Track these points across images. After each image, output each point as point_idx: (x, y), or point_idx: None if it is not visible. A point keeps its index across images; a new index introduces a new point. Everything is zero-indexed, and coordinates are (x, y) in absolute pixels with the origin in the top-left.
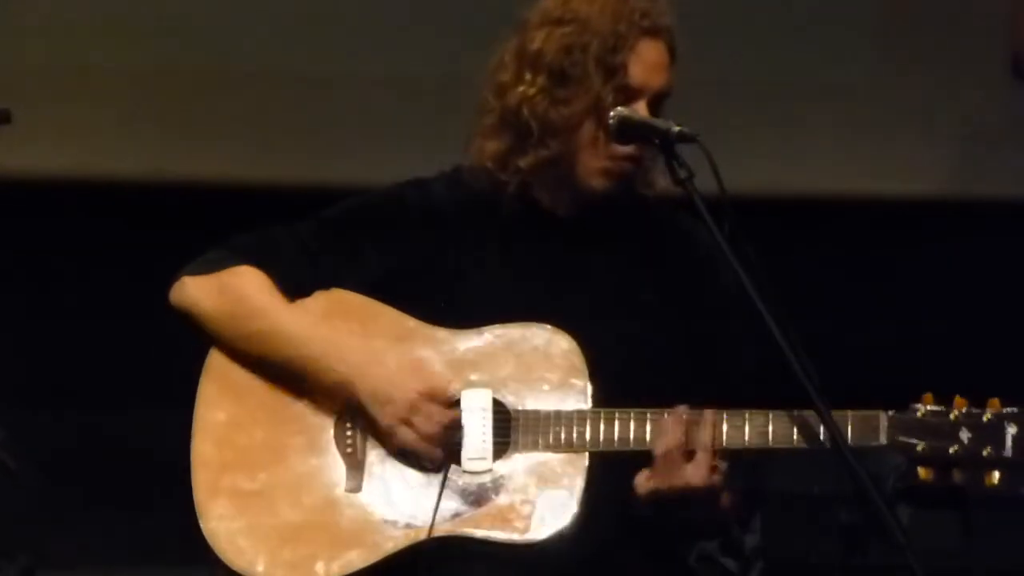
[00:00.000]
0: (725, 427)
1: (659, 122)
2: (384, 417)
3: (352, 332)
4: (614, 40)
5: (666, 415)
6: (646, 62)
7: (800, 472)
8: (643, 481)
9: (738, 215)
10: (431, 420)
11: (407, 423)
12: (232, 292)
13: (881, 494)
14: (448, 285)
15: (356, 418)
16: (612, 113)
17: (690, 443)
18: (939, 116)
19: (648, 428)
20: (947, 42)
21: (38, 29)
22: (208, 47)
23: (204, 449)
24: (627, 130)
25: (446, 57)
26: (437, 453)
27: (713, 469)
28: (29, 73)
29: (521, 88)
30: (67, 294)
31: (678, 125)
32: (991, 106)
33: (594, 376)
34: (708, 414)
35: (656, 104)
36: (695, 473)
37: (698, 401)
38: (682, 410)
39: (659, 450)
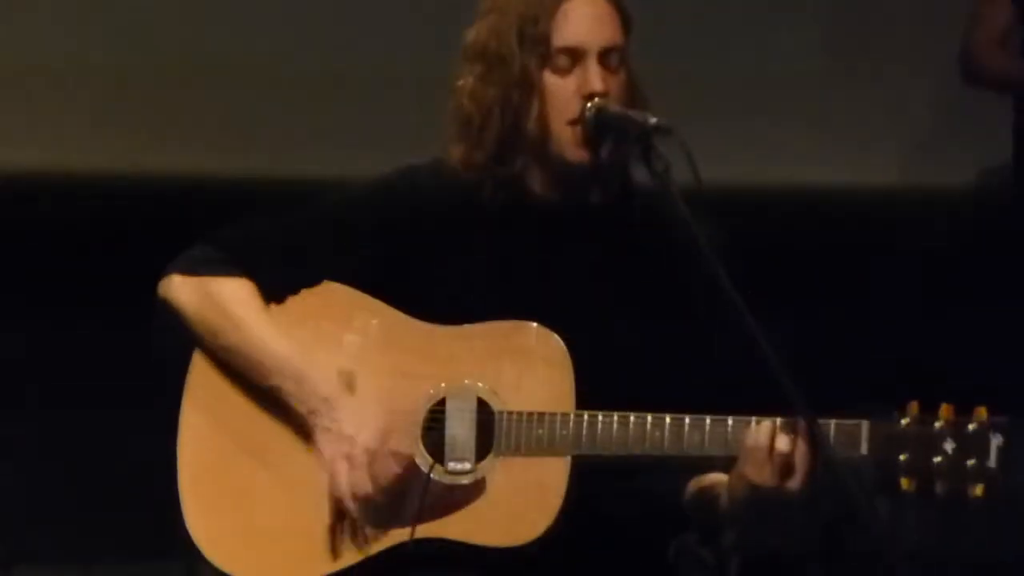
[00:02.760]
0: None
1: (636, 114)
2: (327, 447)
3: (334, 339)
4: (534, 10)
5: (688, 422)
6: (576, 20)
7: None
8: (723, 483)
9: (716, 207)
10: (353, 482)
11: (341, 466)
12: (215, 303)
13: (860, 486)
14: (436, 278)
15: None
16: (589, 105)
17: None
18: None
19: (631, 430)
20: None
21: (9, 27)
22: (184, 41)
23: (187, 450)
24: (603, 122)
25: (426, 52)
26: (357, 511)
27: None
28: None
29: (461, 82)
30: (44, 289)
31: (654, 117)
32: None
33: (580, 376)
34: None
35: (605, 59)
36: (798, 477)
37: (683, 403)
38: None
39: (766, 445)
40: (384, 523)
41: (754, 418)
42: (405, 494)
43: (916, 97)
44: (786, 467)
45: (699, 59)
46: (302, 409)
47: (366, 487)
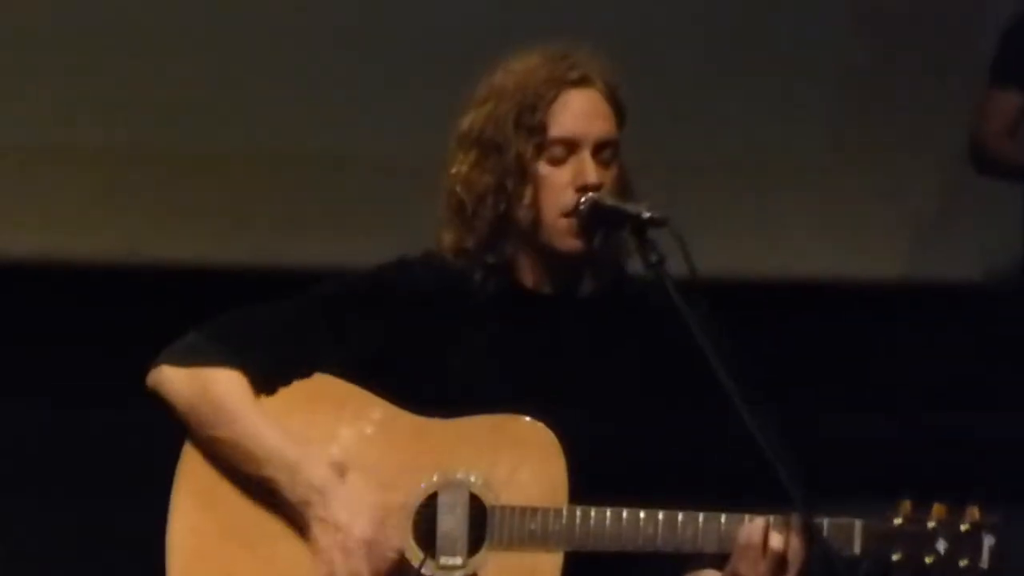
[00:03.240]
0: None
1: (630, 206)
2: (322, 538)
3: (327, 430)
4: (532, 100)
5: (680, 518)
6: (573, 112)
7: None
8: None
9: (710, 299)
10: (371, 568)
11: (334, 557)
12: (204, 394)
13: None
14: (428, 370)
15: None
16: (583, 199)
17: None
18: (901, 200)
19: (624, 525)
20: (908, 125)
21: (12, 106)
22: (183, 127)
23: (178, 537)
24: (598, 215)
25: (426, 137)
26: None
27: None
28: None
29: (455, 169)
30: (43, 376)
31: (648, 209)
32: (950, 190)
33: (572, 469)
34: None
35: (600, 152)
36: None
37: (677, 495)
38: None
39: (747, 538)
40: None
41: (747, 515)
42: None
43: (919, 187)
44: (779, 564)
45: (696, 146)
46: (294, 499)
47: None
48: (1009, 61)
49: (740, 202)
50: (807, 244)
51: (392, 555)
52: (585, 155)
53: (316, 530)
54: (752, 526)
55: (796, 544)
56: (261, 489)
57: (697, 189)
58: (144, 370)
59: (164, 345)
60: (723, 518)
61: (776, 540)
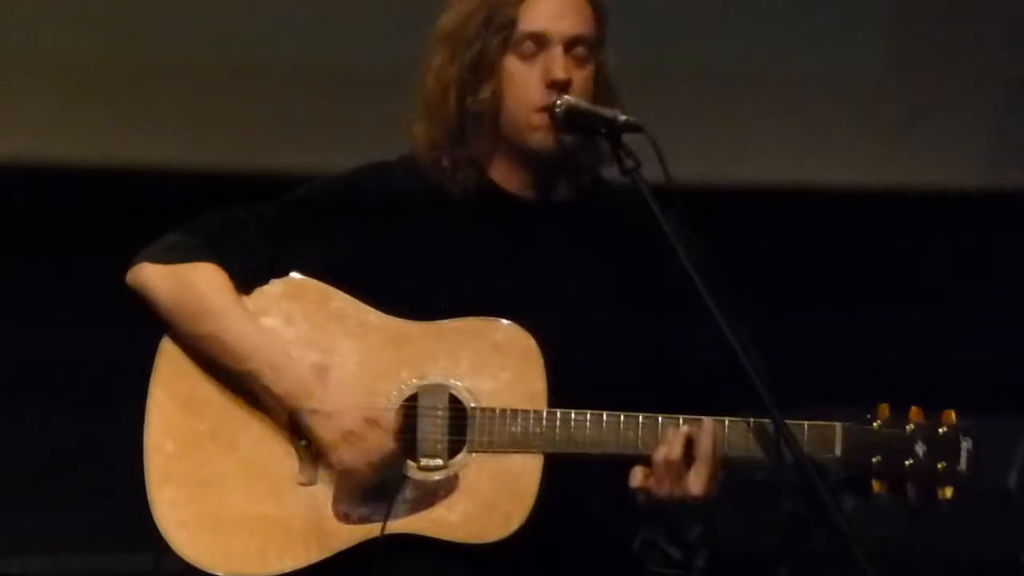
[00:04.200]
0: (728, 434)
1: (605, 111)
2: (326, 432)
3: (305, 331)
4: None
5: (660, 421)
6: (546, 9)
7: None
8: (640, 479)
9: (685, 204)
10: (372, 443)
11: (349, 442)
12: (187, 290)
13: (825, 483)
14: (406, 272)
15: None
16: (559, 101)
17: (691, 452)
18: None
19: (604, 428)
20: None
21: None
22: (158, 33)
23: (156, 437)
24: (573, 119)
25: (395, 44)
26: (376, 476)
27: (713, 478)
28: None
29: (426, 64)
30: (15, 283)
31: (624, 114)
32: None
33: (551, 372)
34: (707, 422)
35: (572, 48)
36: (696, 483)
37: (651, 399)
38: (682, 419)
39: (659, 458)
40: (355, 516)
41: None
42: (378, 487)
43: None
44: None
45: (684, 53)
46: (280, 392)
47: (366, 459)
48: None
49: (715, 109)
50: (787, 149)
51: (390, 443)
52: (556, 51)
53: (309, 422)
54: (667, 431)
55: (706, 446)
56: (241, 386)
57: (674, 95)
58: (119, 273)
59: (140, 247)
60: (705, 421)
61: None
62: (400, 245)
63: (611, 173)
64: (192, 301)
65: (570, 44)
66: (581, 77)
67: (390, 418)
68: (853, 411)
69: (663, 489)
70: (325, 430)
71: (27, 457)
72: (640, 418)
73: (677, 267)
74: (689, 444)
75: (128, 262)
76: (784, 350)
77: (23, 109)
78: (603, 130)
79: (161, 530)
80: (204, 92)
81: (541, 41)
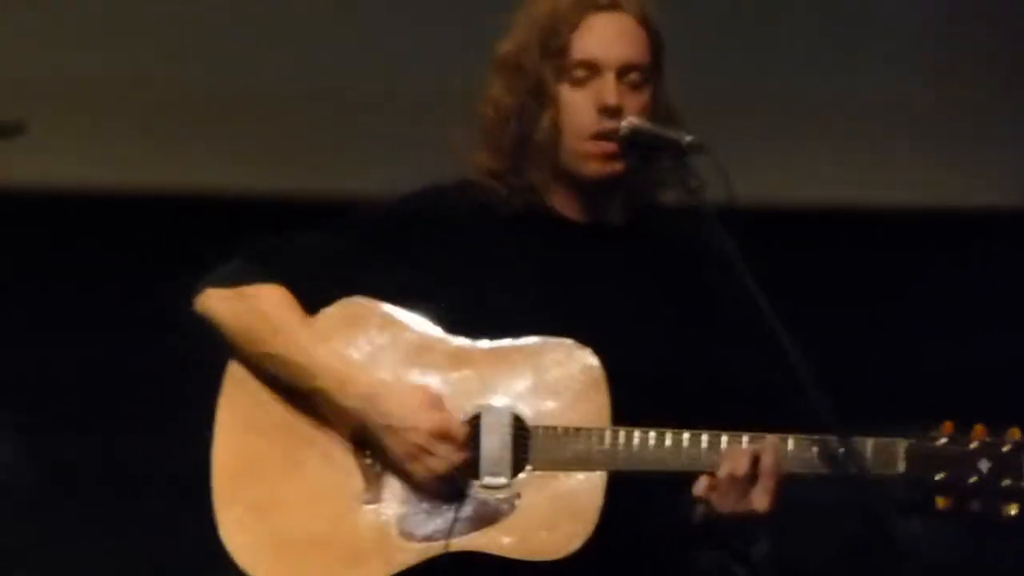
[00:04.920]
0: (791, 450)
1: (670, 131)
2: (397, 447)
3: (368, 352)
4: (557, 24)
5: (724, 440)
6: (598, 36)
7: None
8: (704, 488)
9: (747, 225)
10: (441, 458)
11: (418, 458)
12: (252, 311)
13: (888, 500)
14: (467, 295)
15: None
16: (624, 123)
17: (755, 469)
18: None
19: (667, 446)
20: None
21: (44, 41)
22: (226, 62)
23: (222, 459)
24: (638, 140)
25: (441, 70)
26: (446, 488)
27: (777, 494)
28: (33, 85)
29: (486, 93)
30: (70, 306)
31: (689, 135)
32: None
33: (613, 391)
34: (771, 438)
35: (625, 75)
36: (761, 499)
37: (711, 418)
38: (745, 436)
39: (723, 474)
40: (420, 533)
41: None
42: (443, 504)
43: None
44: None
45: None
46: (347, 405)
47: (435, 474)
48: None
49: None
50: (847, 172)
51: (459, 455)
52: (608, 77)
53: (380, 436)
54: (732, 448)
55: (770, 462)
56: (307, 406)
57: (738, 116)
58: (174, 299)
59: (201, 273)
60: (768, 439)
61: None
62: (459, 268)
63: (665, 196)
64: (258, 322)
65: (623, 71)
66: (636, 103)
67: (459, 433)
68: (915, 430)
69: (727, 505)
70: (396, 444)
71: (85, 482)
72: (704, 436)
73: (734, 286)
74: (754, 461)
75: (193, 286)
76: (838, 368)
77: (99, 136)
78: (668, 150)
79: (228, 551)
80: (269, 120)
81: (593, 68)
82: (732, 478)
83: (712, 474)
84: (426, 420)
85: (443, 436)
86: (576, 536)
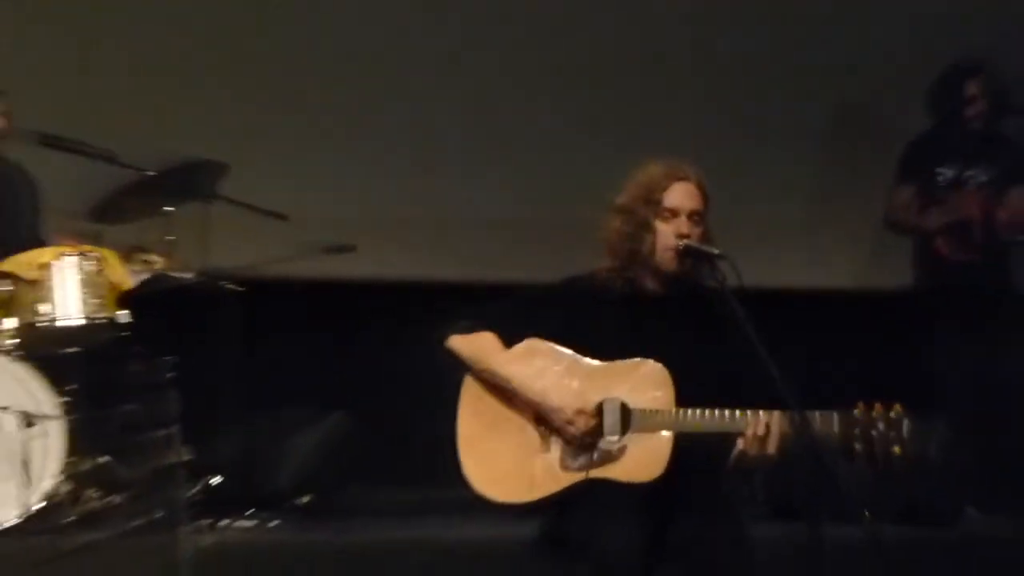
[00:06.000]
0: (785, 420)
1: (706, 247)
2: (557, 421)
3: (542, 369)
4: (654, 185)
5: (749, 413)
6: (678, 194)
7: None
8: (742, 444)
9: (756, 306)
10: (581, 426)
11: (568, 426)
12: (476, 347)
13: (829, 450)
14: (592, 338)
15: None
16: (680, 244)
17: (768, 429)
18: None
19: (715, 418)
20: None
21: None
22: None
23: (463, 428)
24: (689, 251)
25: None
26: (585, 444)
27: (779, 444)
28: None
29: (611, 224)
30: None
31: (717, 249)
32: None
33: (676, 388)
34: (776, 413)
35: (691, 217)
36: (772, 447)
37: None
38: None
39: (750, 432)
40: (572, 467)
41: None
42: (583, 451)
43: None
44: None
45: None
46: (532, 397)
47: (579, 434)
48: (907, 165)
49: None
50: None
51: (590, 422)
52: (683, 218)
53: (551, 414)
54: (753, 417)
55: (776, 425)
56: (510, 399)
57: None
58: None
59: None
60: (775, 413)
61: (761, 427)
62: (589, 322)
63: (705, 282)
64: (479, 351)
65: (691, 214)
66: (696, 232)
67: (590, 413)
68: (844, 407)
69: (753, 450)
70: (559, 418)
71: (389, 448)
72: (736, 411)
73: (745, 346)
74: (767, 424)
75: (444, 335)
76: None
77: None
78: (707, 257)
79: (468, 480)
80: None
81: (675, 212)
82: (755, 435)
83: (742, 433)
84: (571, 405)
85: (582, 414)
86: (658, 467)
